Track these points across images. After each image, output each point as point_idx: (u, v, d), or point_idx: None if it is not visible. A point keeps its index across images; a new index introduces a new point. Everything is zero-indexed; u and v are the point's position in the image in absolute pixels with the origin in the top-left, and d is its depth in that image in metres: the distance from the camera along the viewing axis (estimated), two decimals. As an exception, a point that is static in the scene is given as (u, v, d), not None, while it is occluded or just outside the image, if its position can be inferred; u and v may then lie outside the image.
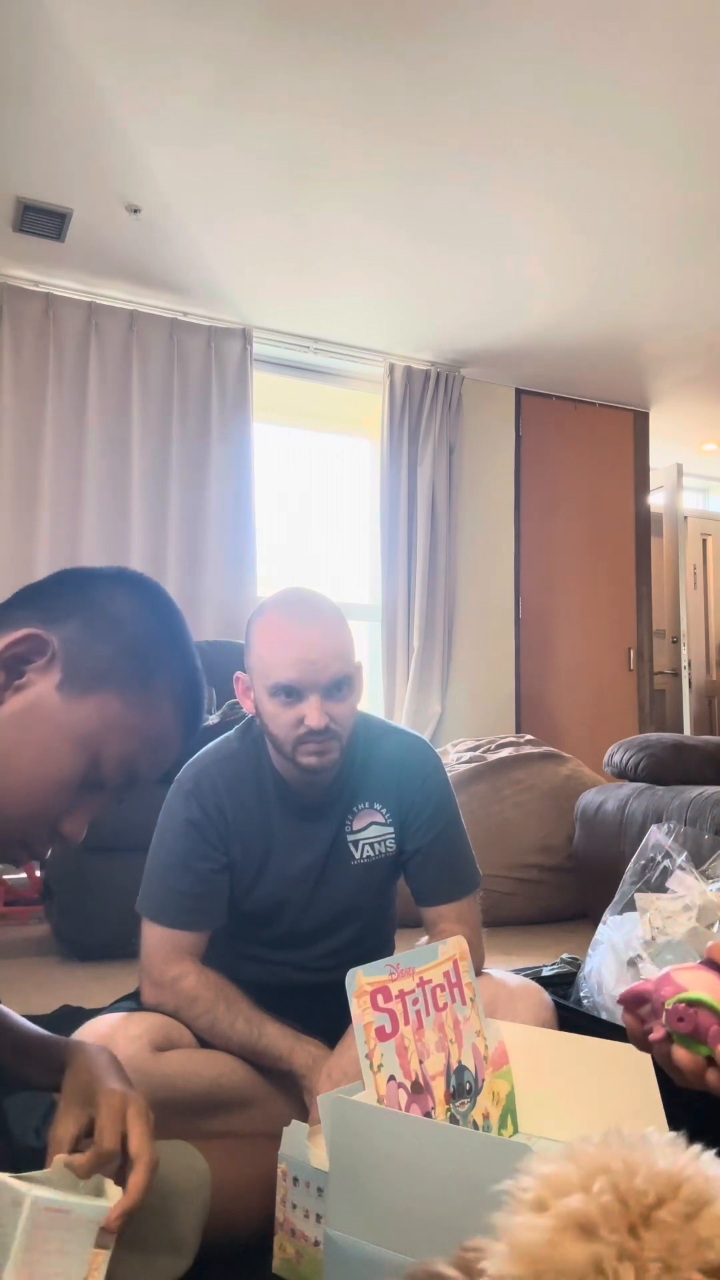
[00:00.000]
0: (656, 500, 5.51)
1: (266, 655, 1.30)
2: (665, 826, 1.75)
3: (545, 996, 1.42)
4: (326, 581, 4.57)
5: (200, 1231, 1.00)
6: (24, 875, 3.44)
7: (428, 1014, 1.05)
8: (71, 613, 0.81)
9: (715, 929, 1.54)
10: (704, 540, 6.04)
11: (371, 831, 1.43)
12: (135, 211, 3.30)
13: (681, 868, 1.64)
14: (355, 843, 1.42)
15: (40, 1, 2.39)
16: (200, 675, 0.87)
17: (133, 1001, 1.38)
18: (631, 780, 3.16)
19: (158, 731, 0.82)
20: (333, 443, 4.76)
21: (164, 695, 0.82)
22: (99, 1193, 0.79)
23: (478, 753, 3.78)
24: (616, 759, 3.22)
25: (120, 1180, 0.82)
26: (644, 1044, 0.63)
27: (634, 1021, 0.64)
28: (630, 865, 1.77)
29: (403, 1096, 0.98)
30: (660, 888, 1.66)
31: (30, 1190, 0.72)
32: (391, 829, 1.44)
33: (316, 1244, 1.01)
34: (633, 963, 1.56)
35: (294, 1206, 1.04)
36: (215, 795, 1.38)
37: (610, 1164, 0.39)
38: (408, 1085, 1.00)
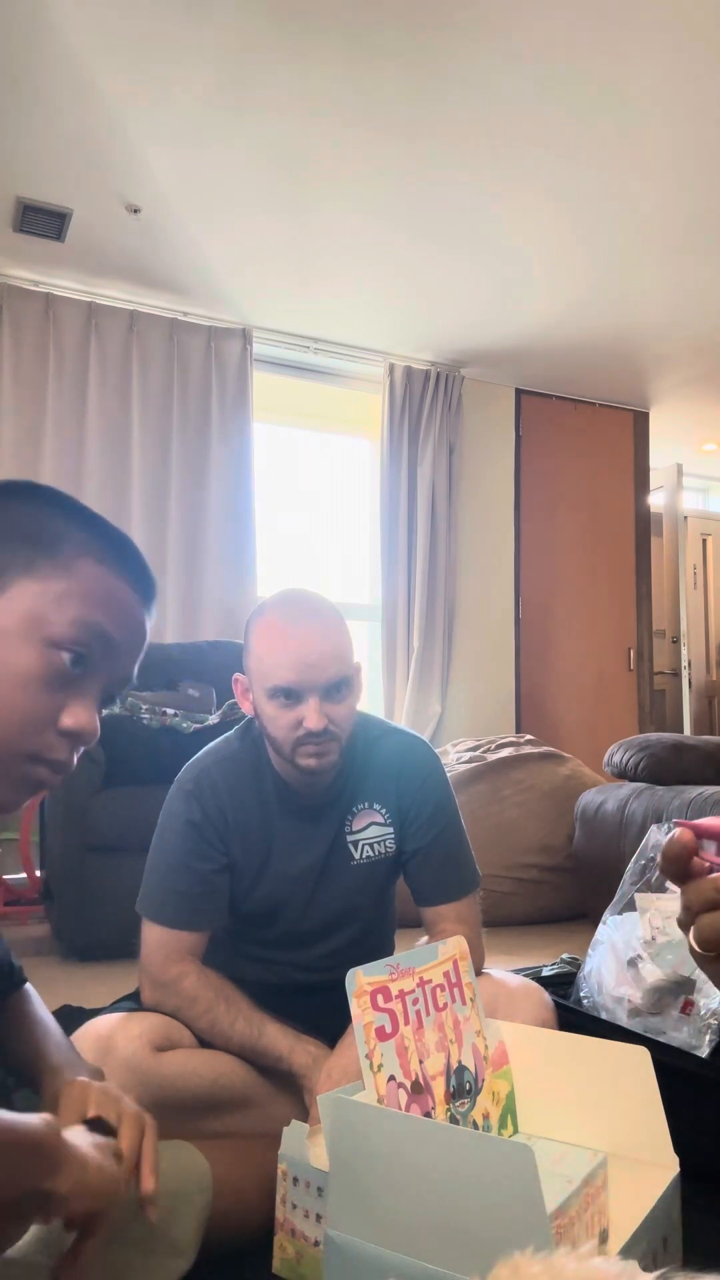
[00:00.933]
0: (656, 500, 5.51)
1: (265, 657, 1.30)
2: (665, 826, 1.75)
3: (545, 996, 1.42)
4: (326, 581, 4.58)
5: (200, 1231, 1.00)
6: (24, 875, 3.45)
7: (428, 1014, 1.05)
8: None
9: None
10: (704, 540, 6.04)
11: (371, 832, 1.43)
12: (135, 211, 3.30)
13: (681, 868, 1.63)
14: (355, 843, 1.42)
15: (41, 1, 2.39)
16: (111, 526, 0.82)
17: (133, 1001, 1.38)
18: (631, 780, 3.16)
19: (93, 586, 0.77)
20: (333, 443, 4.76)
21: (77, 555, 0.77)
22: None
23: (478, 753, 3.78)
24: (616, 759, 3.22)
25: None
26: (680, 870, 0.52)
27: (690, 842, 0.53)
28: (630, 865, 1.77)
29: (403, 1096, 0.98)
30: (660, 888, 1.66)
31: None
32: (391, 829, 1.44)
33: (316, 1244, 1.01)
34: (633, 963, 1.56)
35: (294, 1206, 1.04)
36: (215, 796, 1.38)
37: None
38: (408, 1085, 1.00)
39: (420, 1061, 1.02)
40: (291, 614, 1.33)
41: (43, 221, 3.34)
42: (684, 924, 0.52)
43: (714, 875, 0.51)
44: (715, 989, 1.44)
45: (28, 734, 0.74)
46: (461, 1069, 1.08)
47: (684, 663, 5.55)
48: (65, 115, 2.81)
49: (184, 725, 2.97)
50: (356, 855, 1.42)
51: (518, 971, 1.71)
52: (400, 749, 1.46)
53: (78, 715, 0.76)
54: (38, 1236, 0.77)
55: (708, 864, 0.52)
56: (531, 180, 3.16)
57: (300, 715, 1.28)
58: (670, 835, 0.53)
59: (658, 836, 1.74)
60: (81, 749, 0.79)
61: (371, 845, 1.43)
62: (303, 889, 1.41)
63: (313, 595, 1.38)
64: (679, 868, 0.52)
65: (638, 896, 1.64)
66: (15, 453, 3.69)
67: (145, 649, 0.84)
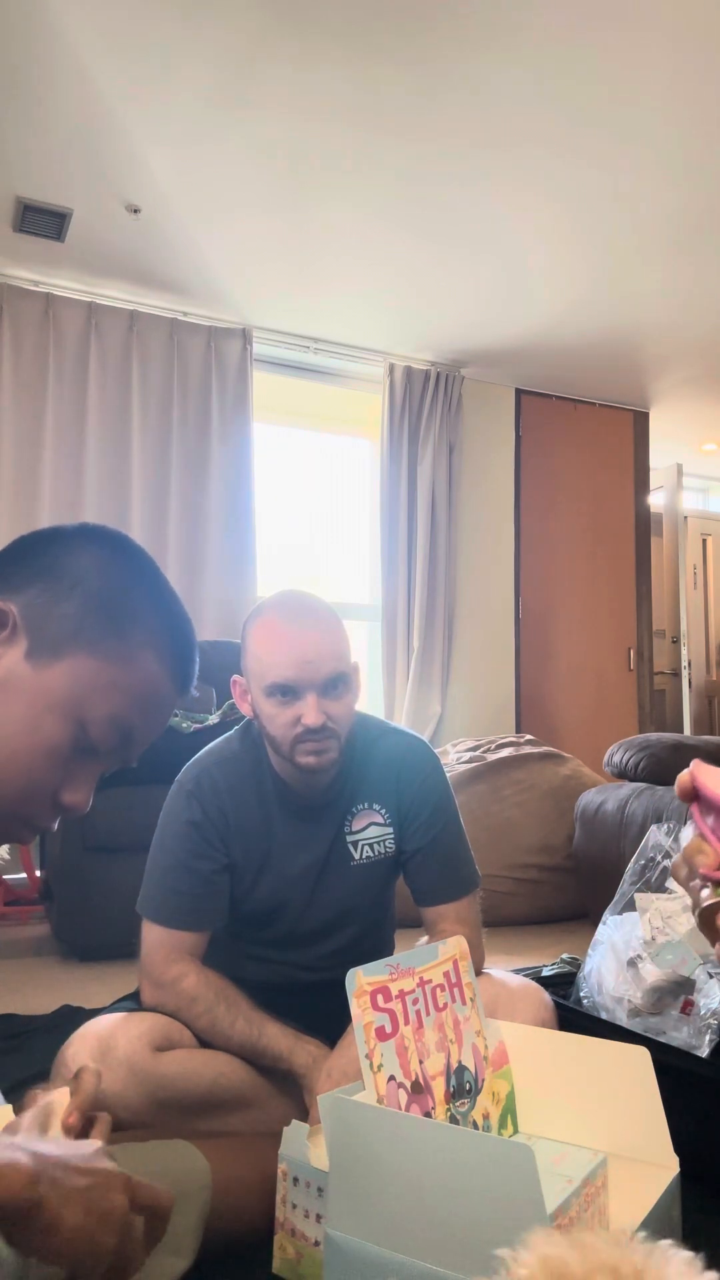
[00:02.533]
0: (656, 500, 5.51)
1: (263, 656, 1.30)
2: (665, 826, 1.75)
3: (545, 996, 1.42)
4: (326, 581, 4.58)
5: (200, 1231, 1.00)
6: (24, 875, 3.45)
7: (428, 1014, 1.05)
8: (31, 578, 0.76)
9: (715, 929, 1.54)
10: (704, 540, 6.04)
11: (371, 832, 1.43)
12: (135, 211, 3.30)
13: (681, 868, 1.63)
14: (355, 843, 1.42)
15: (41, 1, 2.39)
16: (184, 619, 0.82)
17: (133, 1001, 1.38)
18: (631, 780, 3.16)
19: (143, 684, 0.78)
20: (333, 443, 4.76)
21: (143, 646, 0.77)
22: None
23: (478, 753, 3.78)
24: (616, 759, 3.22)
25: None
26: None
27: (690, 788, 0.53)
28: (630, 865, 1.77)
29: (403, 1096, 0.98)
30: (660, 888, 1.66)
31: None
32: (391, 829, 1.44)
33: (316, 1244, 1.01)
34: (633, 963, 1.56)
35: (294, 1206, 1.04)
36: (216, 796, 1.39)
37: (619, 1266, 0.37)
38: (408, 1085, 1.00)
39: (420, 1061, 1.02)
40: (287, 613, 1.33)
41: (43, 221, 3.34)
42: (695, 910, 0.53)
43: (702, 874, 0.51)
44: (716, 989, 1.44)
45: (27, 799, 0.75)
46: (461, 1069, 1.08)
47: (684, 663, 5.55)
48: (65, 115, 2.81)
49: (184, 725, 2.97)
50: (356, 855, 1.42)
51: (518, 971, 1.71)
52: (400, 749, 1.46)
53: (78, 793, 0.77)
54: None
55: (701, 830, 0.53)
56: (531, 180, 3.16)
57: (298, 712, 1.28)
58: (679, 782, 0.54)
59: (658, 836, 1.74)
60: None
61: (371, 845, 1.43)
62: (302, 889, 1.41)
63: (308, 595, 1.38)
64: (688, 798, 0.55)
65: (638, 896, 1.64)
66: (15, 453, 3.69)
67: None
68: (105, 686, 0.75)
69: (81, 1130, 0.78)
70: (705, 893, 0.52)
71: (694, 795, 0.54)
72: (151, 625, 0.79)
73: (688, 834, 0.57)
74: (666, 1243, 0.37)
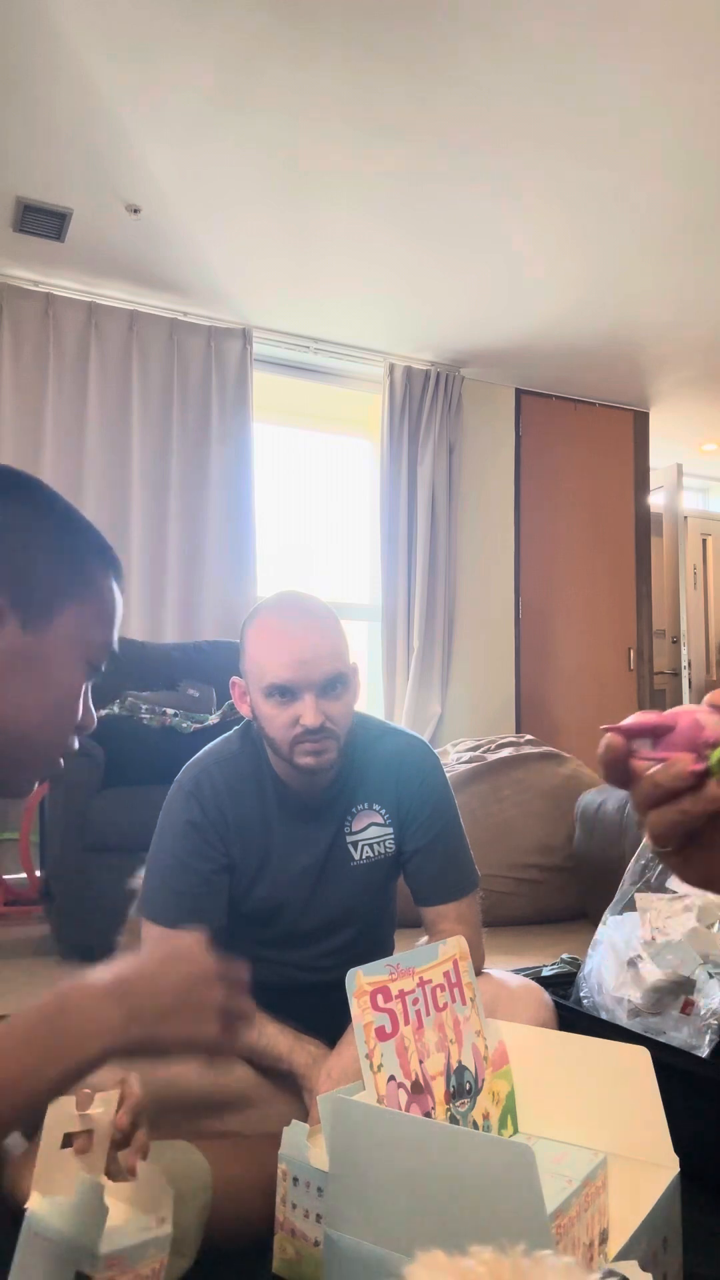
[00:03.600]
0: (656, 500, 5.51)
1: (261, 657, 1.31)
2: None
3: (545, 996, 1.42)
4: (326, 581, 4.58)
5: (200, 1231, 1.00)
6: (24, 875, 3.44)
7: (428, 1014, 1.05)
8: None
9: (715, 929, 1.54)
10: (704, 540, 6.04)
11: (371, 832, 1.43)
12: (135, 211, 3.30)
13: (681, 868, 1.63)
14: (355, 844, 1.42)
15: (41, 2, 2.39)
16: (90, 524, 0.89)
17: (133, 1001, 1.37)
18: (631, 780, 3.15)
19: (112, 605, 0.86)
20: (333, 443, 4.76)
21: (97, 573, 0.85)
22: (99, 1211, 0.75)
23: (478, 753, 3.78)
24: (616, 759, 3.21)
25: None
26: (622, 775, 0.51)
27: (620, 745, 0.51)
28: (630, 865, 1.77)
29: (403, 1096, 0.98)
30: (660, 888, 1.66)
31: (31, 1208, 0.73)
32: (390, 829, 1.44)
33: (316, 1244, 1.01)
34: (633, 963, 1.56)
35: (294, 1206, 1.04)
36: (215, 796, 1.39)
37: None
38: (408, 1085, 0.99)
39: (420, 1061, 1.02)
40: (286, 614, 1.33)
41: (43, 221, 3.34)
42: (640, 825, 0.52)
43: (652, 770, 0.50)
44: (716, 989, 1.44)
45: (63, 739, 0.84)
46: (461, 1069, 1.08)
47: (684, 663, 5.55)
48: (65, 115, 2.81)
49: (184, 725, 2.97)
50: (356, 856, 1.42)
51: (518, 971, 1.71)
52: (399, 749, 1.46)
53: (89, 714, 0.86)
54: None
55: (645, 761, 0.51)
56: (531, 180, 3.16)
57: (297, 712, 1.28)
58: (602, 742, 0.52)
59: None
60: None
61: (371, 846, 1.43)
62: (302, 889, 1.41)
63: (306, 596, 1.38)
64: (619, 773, 0.51)
65: (638, 896, 1.64)
66: (15, 453, 3.69)
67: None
68: (92, 624, 0.83)
69: (130, 1129, 0.85)
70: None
71: (624, 753, 0.52)
72: (94, 554, 0.86)
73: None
74: (547, 1252, 0.36)
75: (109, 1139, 0.82)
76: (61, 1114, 0.78)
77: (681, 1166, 1.04)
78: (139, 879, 1.42)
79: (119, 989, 0.71)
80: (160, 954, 0.77)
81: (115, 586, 0.87)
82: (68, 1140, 0.78)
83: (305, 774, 1.33)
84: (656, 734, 0.52)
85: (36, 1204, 0.74)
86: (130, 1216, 0.78)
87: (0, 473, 0.83)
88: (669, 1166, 1.04)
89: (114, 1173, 0.83)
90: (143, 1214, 0.79)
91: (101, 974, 0.72)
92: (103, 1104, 0.81)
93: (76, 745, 0.87)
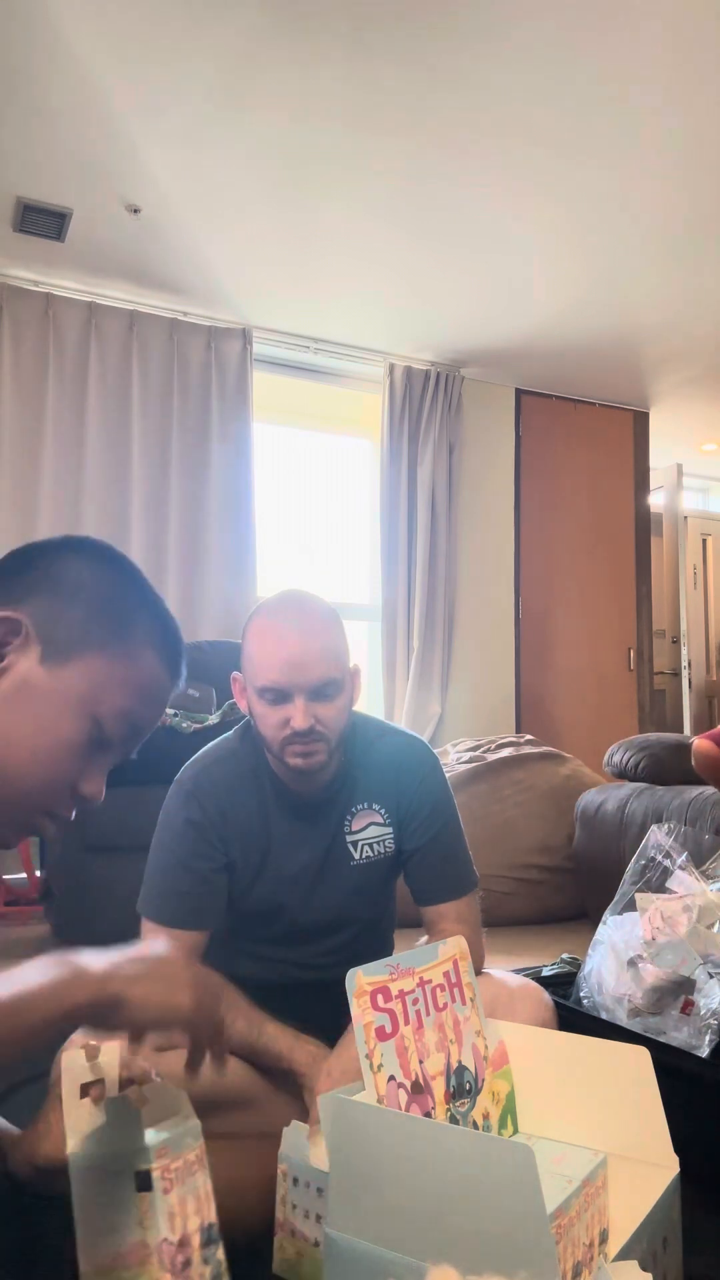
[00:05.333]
0: (656, 500, 5.51)
1: (256, 657, 1.31)
2: (665, 826, 1.75)
3: (545, 996, 1.42)
4: (326, 581, 4.58)
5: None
6: (24, 875, 3.45)
7: (428, 1014, 1.05)
8: (33, 588, 0.83)
9: (715, 929, 1.54)
10: (704, 540, 6.03)
11: (370, 832, 1.43)
12: (135, 211, 3.30)
13: (681, 868, 1.64)
14: (354, 843, 1.42)
15: (41, 2, 2.39)
16: (170, 616, 0.90)
17: (133, 1001, 1.37)
18: (631, 780, 3.16)
19: (146, 678, 0.85)
20: (333, 443, 4.76)
21: (143, 644, 0.85)
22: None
23: (478, 753, 3.78)
24: (616, 759, 3.22)
25: None
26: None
27: (713, 752, 0.53)
28: (630, 865, 1.77)
29: (403, 1096, 0.98)
30: (660, 888, 1.66)
31: (72, 1151, 0.77)
32: (390, 829, 1.44)
33: (316, 1244, 1.01)
34: (633, 963, 1.56)
35: (294, 1206, 1.04)
36: (215, 795, 1.39)
37: None
38: (408, 1085, 1.00)
39: (420, 1061, 1.02)
40: (283, 615, 1.33)
41: (43, 221, 3.34)
42: None
43: None
44: (716, 989, 1.44)
45: (51, 792, 0.82)
46: (461, 1069, 1.08)
47: (684, 663, 5.55)
48: (65, 115, 2.81)
49: (184, 725, 2.97)
50: (356, 855, 1.42)
51: (518, 971, 1.71)
52: (399, 749, 1.46)
53: (94, 784, 0.84)
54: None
55: None
56: (531, 180, 3.16)
57: (287, 714, 1.29)
58: (695, 750, 0.53)
59: (658, 836, 1.74)
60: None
61: (371, 845, 1.43)
62: (301, 888, 1.41)
63: (308, 597, 1.38)
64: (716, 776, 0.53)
65: (638, 896, 1.64)
66: (15, 453, 3.69)
67: None
68: (116, 683, 0.82)
69: (135, 1067, 0.89)
70: None
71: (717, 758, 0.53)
72: (147, 624, 0.86)
73: None
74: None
75: (118, 1082, 0.86)
76: (76, 1068, 0.82)
77: (681, 1166, 1.04)
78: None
79: (102, 956, 0.77)
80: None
81: (161, 667, 0.86)
82: (84, 1091, 0.83)
83: (296, 774, 1.34)
84: None
85: (73, 1145, 0.78)
86: (156, 1125, 0.83)
87: (74, 538, 0.88)
88: (669, 1166, 1.04)
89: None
90: (166, 1118, 0.82)
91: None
92: (107, 1053, 0.85)
93: (73, 815, 0.85)
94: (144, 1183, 0.75)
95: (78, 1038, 0.91)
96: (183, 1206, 0.77)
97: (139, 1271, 0.74)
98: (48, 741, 0.80)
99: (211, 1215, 0.81)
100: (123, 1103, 0.78)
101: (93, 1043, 0.84)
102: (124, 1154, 0.76)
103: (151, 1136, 0.77)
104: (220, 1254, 0.82)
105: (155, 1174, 0.75)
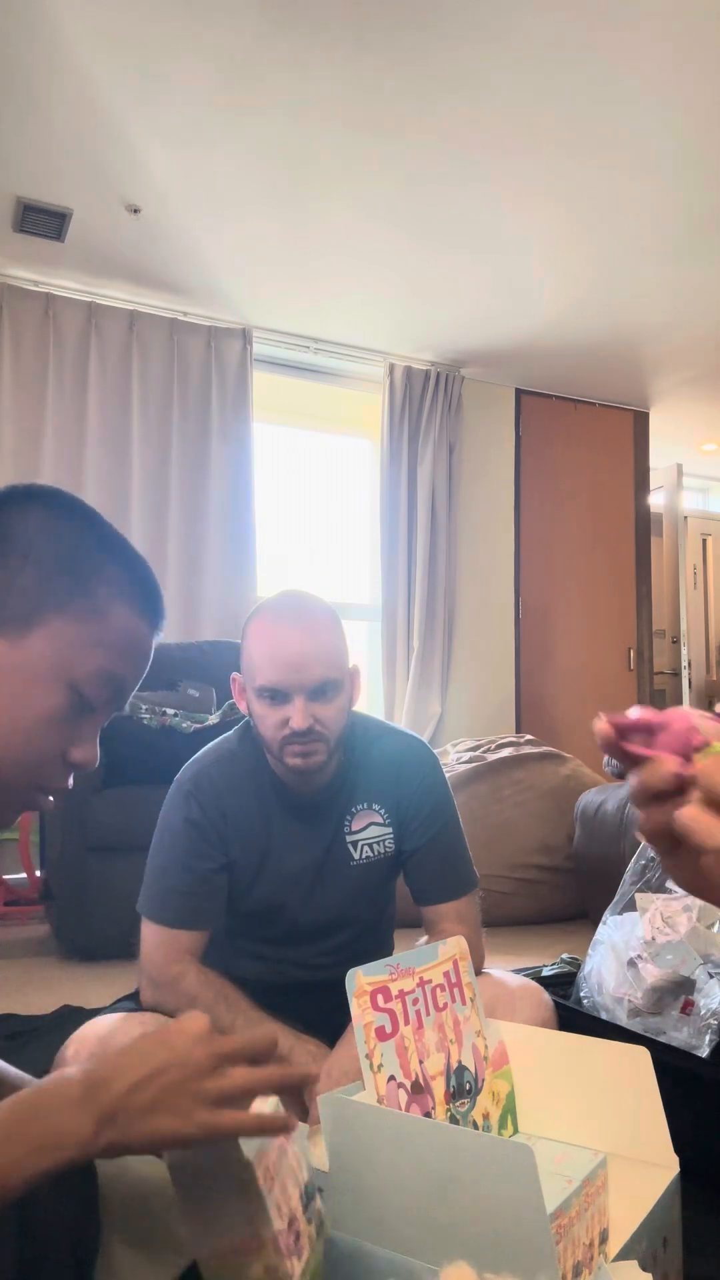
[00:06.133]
0: (656, 500, 5.51)
1: (255, 657, 1.31)
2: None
3: (545, 996, 1.42)
4: (326, 581, 4.58)
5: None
6: (24, 875, 3.45)
7: (428, 1014, 1.05)
8: None
9: (715, 929, 1.54)
10: (704, 540, 6.04)
11: (370, 832, 1.43)
12: (135, 211, 3.30)
13: (681, 868, 1.63)
14: (354, 843, 1.42)
15: (41, 2, 2.39)
16: (140, 561, 0.83)
17: (132, 1002, 1.38)
18: (631, 780, 3.15)
19: (121, 634, 0.79)
20: (333, 443, 4.76)
21: (110, 596, 0.78)
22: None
23: (478, 753, 3.78)
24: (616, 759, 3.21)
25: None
26: (621, 757, 0.51)
27: (609, 736, 0.51)
28: (630, 865, 1.77)
29: (403, 1096, 0.98)
30: (660, 888, 1.66)
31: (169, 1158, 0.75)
32: (390, 829, 1.44)
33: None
34: (633, 963, 1.56)
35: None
36: (215, 795, 1.39)
37: None
38: (408, 1085, 1.00)
39: (420, 1061, 1.02)
40: (282, 615, 1.33)
41: (43, 221, 3.34)
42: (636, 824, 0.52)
43: (638, 770, 0.50)
44: (716, 989, 1.44)
45: (40, 768, 0.77)
46: (461, 1069, 1.08)
47: (684, 663, 5.55)
48: (65, 115, 2.81)
49: (184, 725, 2.97)
50: (356, 855, 1.42)
51: (518, 971, 1.71)
52: (399, 749, 1.46)
53: (85, 750, 0.79)
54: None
55: (638, 752, 0.51)
56: (531, 180, 3.16)
57: (286, 715, 1.29)
58: (597, 732, 0.52)
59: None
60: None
61: (371, 845, 1.43)
62: (300, 888, 1.41)
63: (308, 597, 1.38)
64: (619, 755, 0.52)
65: (638, 896, 1.64)
66: (15, 453, 3.69)
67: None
68: (87, 645, 0.76)
69: None
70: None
71: (616, 738, 0.51)
72: (112, 575, 0.79)
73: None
74: None
75: None
76: None
77: (681, 1166, 1.04)
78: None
79: (92, 1091, 0.66)
80: (146, 1042, 0.70)
81: (135, 617, 0.80)
82: None
83: (296, 775, 1.34)
84: (651, 731, 0.51)
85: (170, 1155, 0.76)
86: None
87: (18, 488, 0.80)
88: (669, 1166, 1.04)
89: None
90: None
91: (75, 1074, 0.67)
92: None
93: (70, 783, 0.80)
94: (249, 1188, 0.73)
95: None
96: (284, 1193, 0.76)
97: (257, 1257, 0.73)
98: (25, 718, 0.74)
99: (305, 1175, 0.79)
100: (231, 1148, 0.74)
101: None
102: (225, 1164, 0.73)
103: (247, 1145, 0.74)
104: (319, 1203, 0.81)
105: (259, 1179, 0.73)
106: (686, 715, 0.51)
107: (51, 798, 0.80)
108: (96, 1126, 0.64)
